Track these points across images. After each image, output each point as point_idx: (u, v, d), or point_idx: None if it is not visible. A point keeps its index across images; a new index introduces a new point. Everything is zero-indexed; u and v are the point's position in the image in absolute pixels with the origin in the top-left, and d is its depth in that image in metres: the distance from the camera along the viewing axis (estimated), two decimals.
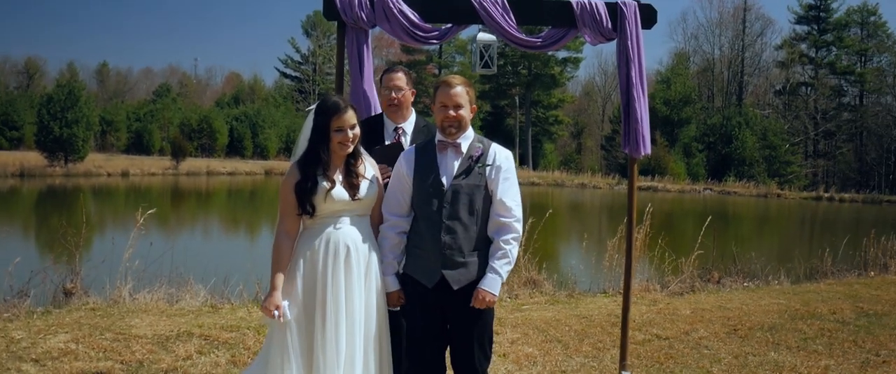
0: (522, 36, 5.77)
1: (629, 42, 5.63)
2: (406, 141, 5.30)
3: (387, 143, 5.28)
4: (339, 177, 4.46)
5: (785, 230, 32.88)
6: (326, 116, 4.42)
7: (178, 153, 55.48)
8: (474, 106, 4.57)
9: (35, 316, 8.24)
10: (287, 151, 74.51)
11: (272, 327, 4.45)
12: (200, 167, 56.57)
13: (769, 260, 14.20)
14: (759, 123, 68.62)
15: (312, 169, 4.40)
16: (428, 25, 5.75)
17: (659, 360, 7.34)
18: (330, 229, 4.41)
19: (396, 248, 4.55)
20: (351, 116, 4.45)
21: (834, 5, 73.54)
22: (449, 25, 5.87)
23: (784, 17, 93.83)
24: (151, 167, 53.16)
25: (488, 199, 4.45)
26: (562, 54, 72.20)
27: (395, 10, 5.61)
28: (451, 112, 4.42)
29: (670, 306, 10.02)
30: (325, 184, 4.37)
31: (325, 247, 4.38)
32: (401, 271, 4.61)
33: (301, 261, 4.41)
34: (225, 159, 66.63)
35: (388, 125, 5.36)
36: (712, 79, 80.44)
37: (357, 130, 4.48)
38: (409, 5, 5.70)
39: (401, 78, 5.38)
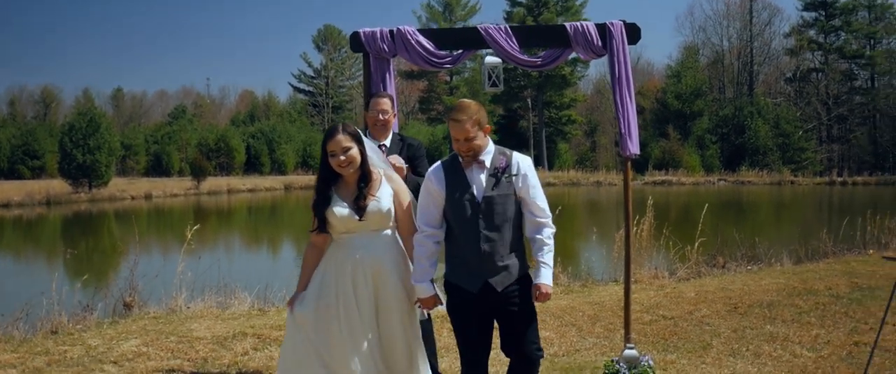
0: (524, 57, 6.55)
1: (617, 57, 6.44)
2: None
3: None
4: (349, 198, 4.82)
5: (795, 216, 33.42)
6: (324, 142, 4.80)
7: (198, 173, 56.20)
8: (488, 126, 4.79)
9: (104, 326, 9.14)
10: (305, 165, 75.42)
11: (290, 324, 5.02)
12: (221, 186, 57.20)
13: (774, 244, 14.87)
14: (772, 112, 69.05)
15: (322, 190, 4.85)
16: (442, 52, 6.56)
17: (664, 337, 8.08)
18: (345, 243, 4.90)
19: (433, 256, 4.81)
20: (342, 140, 4.75)
21: None
22: (460, 51, 6.69)
23: (791, 4, 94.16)
24: (173, 188, 53.77)
25: (517, 204, 4.78)
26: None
27: (413, 41, 6.45)
28: (464, 145, 4.77)
29: (676, 290, 10.71)
30: (332, 204, 4.80)
31: (337, 257, 4.90)
32: (444, 279, 4.97)
33: (321, 270, 4.96)
34: (244, 177, 67.69)
35: (373, 143, 5.82)
36: (723, 70, 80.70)
37: (353, 152, 4.77)
38: (425, 36, 6.52)
39: (387, 103, 6.07)
